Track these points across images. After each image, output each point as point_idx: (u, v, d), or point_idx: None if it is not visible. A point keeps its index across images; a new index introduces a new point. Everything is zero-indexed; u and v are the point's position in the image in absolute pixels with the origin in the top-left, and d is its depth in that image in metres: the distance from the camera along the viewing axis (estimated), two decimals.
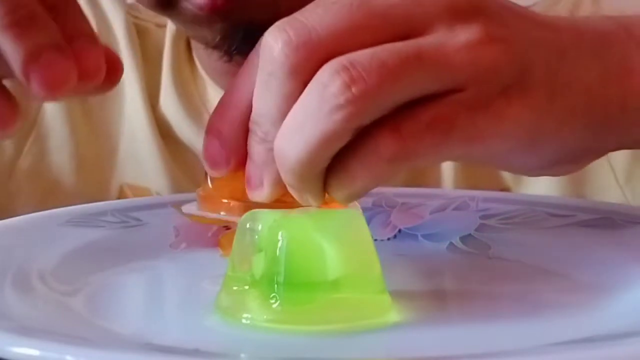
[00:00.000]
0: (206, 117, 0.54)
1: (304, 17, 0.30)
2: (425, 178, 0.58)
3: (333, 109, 0.29)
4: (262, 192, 0.33)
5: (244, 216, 0.34)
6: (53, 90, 0.29)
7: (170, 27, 0.61)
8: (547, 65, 0.32)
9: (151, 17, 0.62)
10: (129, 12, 0.61)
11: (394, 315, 0.34)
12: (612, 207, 0.45)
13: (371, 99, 0.29)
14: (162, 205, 0.47)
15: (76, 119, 0.58)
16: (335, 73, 0.29)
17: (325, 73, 0.29)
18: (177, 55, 0.59)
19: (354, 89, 0.28)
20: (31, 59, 0.29)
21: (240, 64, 0.40)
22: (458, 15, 0.31)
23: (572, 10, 0.60)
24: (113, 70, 0.33)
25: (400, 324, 0.33)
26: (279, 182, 0.32)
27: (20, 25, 0.29)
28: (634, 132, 0.36)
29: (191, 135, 0.57)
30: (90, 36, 0.32)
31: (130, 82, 0.58)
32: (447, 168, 0.58)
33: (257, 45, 0.32)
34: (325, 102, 0.29)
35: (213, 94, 0.58)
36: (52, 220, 0.44)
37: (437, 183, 0.58)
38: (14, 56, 0.29)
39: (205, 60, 0.59)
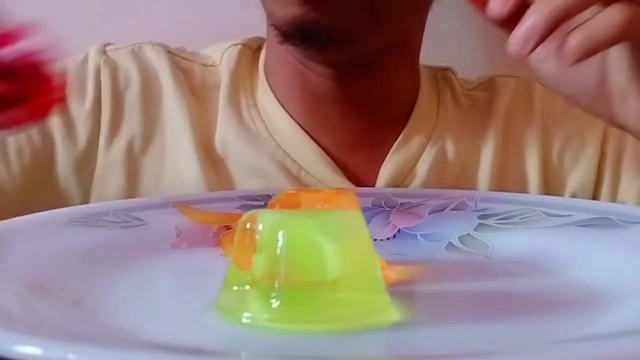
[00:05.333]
0: (265, 137, 0.64)
1: None
2: (464, 181, 0.65)
3: None
4: None
5: (244, 216, 0.34)
6: None
7: (229, 62, 0.69)
8: None
9: (197, 58, 0.71)
10: (177, 54, 0.70)
11: (393, 314, 0.34)
12: (610, 207, 0.45)
13: None
14: (163, 205, 0.48)
15: (132, 162, 0.66)
16: None
17: None
18: (235, 89, 0.68)
19: None
20: None
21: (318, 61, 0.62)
22: None
23: None
24: None
25: (399, 323, 0.33)
26: None
27: None
28: None
29: (251, 156, 0.63)
30: None
31: (175, 117, 0.66)
32: (484, 172, 0.65)
33: None
34: None
35: (274, 113, 0.66)
36: (55, 220, 0.44)
37: (474, 185, 0.65)
38: None
39: (274, 69, 0.68)
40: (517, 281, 0.40)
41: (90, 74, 0.67)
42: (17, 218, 0.43)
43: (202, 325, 0.34)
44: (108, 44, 0.70)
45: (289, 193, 0.44)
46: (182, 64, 0.70)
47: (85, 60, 0.68)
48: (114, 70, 0.68)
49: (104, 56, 0.69)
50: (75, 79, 0.67)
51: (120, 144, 0.65)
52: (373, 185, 0.63)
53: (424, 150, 0.64)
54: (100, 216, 0.45)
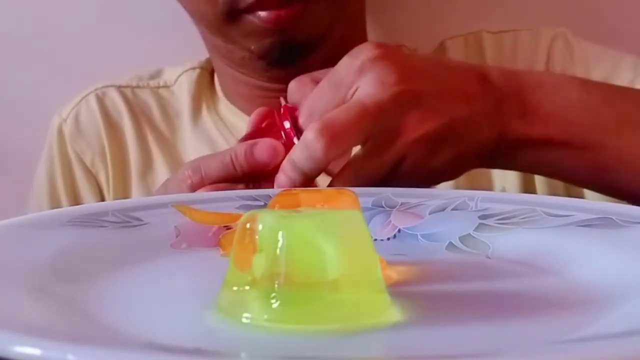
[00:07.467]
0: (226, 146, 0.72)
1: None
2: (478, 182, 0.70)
3: None
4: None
5: (244, 216, 0.34)
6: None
7: (189, 86, 0.78)
8: None
9: (147, 82, 0.81)
10: (127, 87, 0.81)
11: (393, 314, 0.34)
12: (611, 207, 0.45)
13: None
14: (162, 205, 0.47)
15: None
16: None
17: None
18: (197, 108, 0.77)
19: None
20: None
21: (275, 78, 0.70)
22: None
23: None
24: None
25: (399, 324, 0.33)
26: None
27: None
28: None
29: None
30: None
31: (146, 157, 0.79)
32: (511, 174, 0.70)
33: None
34: None
35: (233, 119, 0.75)
36: (54, 220, 0.44)
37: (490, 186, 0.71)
38: None
39: (231, 88, 0.77)
40: (517, 281, 0.40)
41: (70, 152, 0.78)
42: (17, 218, 0.43)
43: (201, 325, 0.34)
44: (61, 112, 0.81)
45: (288, 193, 0.44)
46: (136, 99, 0.79)
47: (54, 138, 0.78)
48: (78, 137, 0.78)
49: (65, 124, 0.78)
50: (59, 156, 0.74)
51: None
52: None
53: None
54: (100, 216, 0.45)
